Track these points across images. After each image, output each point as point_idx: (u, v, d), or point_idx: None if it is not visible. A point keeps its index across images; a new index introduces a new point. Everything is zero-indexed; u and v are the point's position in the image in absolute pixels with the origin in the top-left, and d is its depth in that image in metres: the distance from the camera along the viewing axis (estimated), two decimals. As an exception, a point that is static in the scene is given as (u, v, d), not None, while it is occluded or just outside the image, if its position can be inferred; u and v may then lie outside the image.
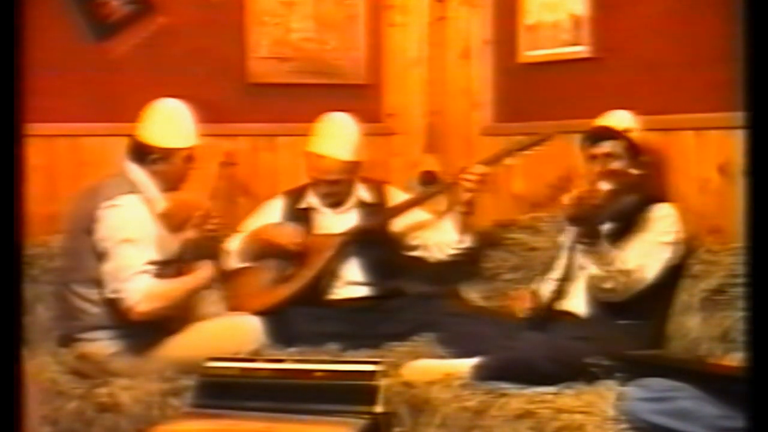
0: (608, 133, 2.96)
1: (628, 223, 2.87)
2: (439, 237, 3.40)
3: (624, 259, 2.78)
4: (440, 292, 3.47)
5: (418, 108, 4.13)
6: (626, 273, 2.77)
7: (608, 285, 2.79)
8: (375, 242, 3.40)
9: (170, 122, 3.02)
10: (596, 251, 2.79)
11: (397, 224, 3.45)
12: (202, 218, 3.08)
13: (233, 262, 3.38)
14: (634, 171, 2.90)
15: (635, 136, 2.95)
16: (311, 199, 3.47)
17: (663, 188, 3.05)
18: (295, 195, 3.51)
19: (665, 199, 2.96)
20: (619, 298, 2.81)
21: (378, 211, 3.46)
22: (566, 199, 2.78)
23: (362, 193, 3.49)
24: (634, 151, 2.93)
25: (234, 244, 3.39)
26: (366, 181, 3.52)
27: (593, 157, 2.98)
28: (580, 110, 3.20)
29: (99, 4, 3.56)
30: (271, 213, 3.49)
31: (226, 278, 3.30)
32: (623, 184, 2.88)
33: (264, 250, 3.37)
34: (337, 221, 3.44)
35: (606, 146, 2.95)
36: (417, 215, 3.48)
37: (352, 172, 3.39)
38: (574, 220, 2.85)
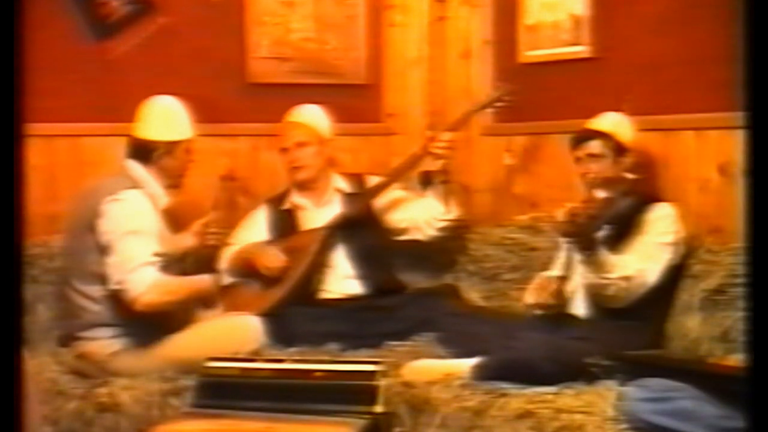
0: (591, 134, 2.97)
1: (626, 226, 2.86)
2: (426, 213, 3.41)
3: (623, 265, 2.77)
4: (440, 290, 3.47)
5: (418, 108, 4.13)
6: (626, 279, 2.76)
7: (609, 292, 2.79)
8: (363, 230, 3.42)
9: (167, 117, 3.04)
10: (594, 261, 2.78)
11: (382, 208, 3.47)
12: (203, 228, 3.09)
13: (224, 279, 3.36)
14: (629, 176, 2.90)
15: (621, 135, 2.95)
16: (293, 198, 3.49)
17: (659, 188, 3.05)
18: (277, 200, 3.53)
19: (662, 199, 2.95)
20: (621, 304, 2.80)
21: (359, 199, 3.47)
22: (559, 215, 2.79)
23: (339, 183, 3.52)
24: (619, 150, 2.93)
25: (222, 262, 3.38)
26: (343, 174, 3.55)
27: (579, 159, 2.99)
28: (580, 110, 3.20)
29: (99, 4, 3.56)
30: (256, 223, 3.50)
31: (221, 290, 3.29)
32: (618, 190, 2.88)
33: (248, 271, 3.37)
34: (321, 214, 3.45)
35: (589, 147, 2.96)
36: (396, 193, 3.49)
37: (320, 143, 3.43)
38: (568, 234, 2.86)
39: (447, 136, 3.31)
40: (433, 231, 3.42)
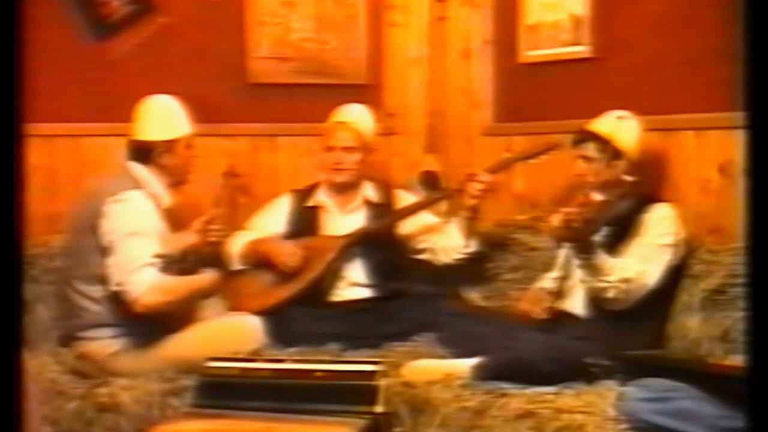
0: (586, 136, 2.97)
1: (625, 228, 2.86)
2: (445, 241, 3.40)
3: (623, 268, 2.77)
4: (440, 292, 3.47)
5: (418, 108, 4.12)
6: (626, 282, 2.76)
7: (609, 295, 2.79)
8: (380, 244, 3.40)
9: (162, 116, 3.04)
10: (592, 265, 2.78)
11: (404, 227, 3.46)
12: (204, 225, 3.09)
13: (234, 265, 3.37)
14: (627, 178, 2.89)
15: (617, 139, 2.93)
16: (320, 197, 3.48)
17: (660, 189, 3.05)
18: (304, 193, 3.51)
19: (662, 199, 2.95)
20: (621, 307, 2.80)
21: (384, 213, 3.46)
22: (555, 220, 2.79)
23: (369, 192, 3.49)
24: (614, 154, 2.91)
25: (235, 247, 3.38)
26: (373, 181, 3.53)
27: (576, 160, 2.99)
28: (580, 110, 3.20)
29: (99, 4, 3.57)
30: (277, 212, 3.49)
31: (226, 279, 3.29)
32: (616, 192, 2.87)
33: (262, 262, 3.37)
34: (344, 221, 3.44)
35: (584, 149, 2.96)
36: (423, 218, 3.48)
37: (365, 150, 3.41)
38: (565, 240, 2.86)
39: (486, 177, 3.29)
40: (448, 260, 3.41)
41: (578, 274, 2.90)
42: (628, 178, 2.89)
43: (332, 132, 3.41)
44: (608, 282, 2.76)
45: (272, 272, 3.34)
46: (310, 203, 3.48)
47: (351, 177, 3.43)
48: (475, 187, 3.27)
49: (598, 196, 2.87)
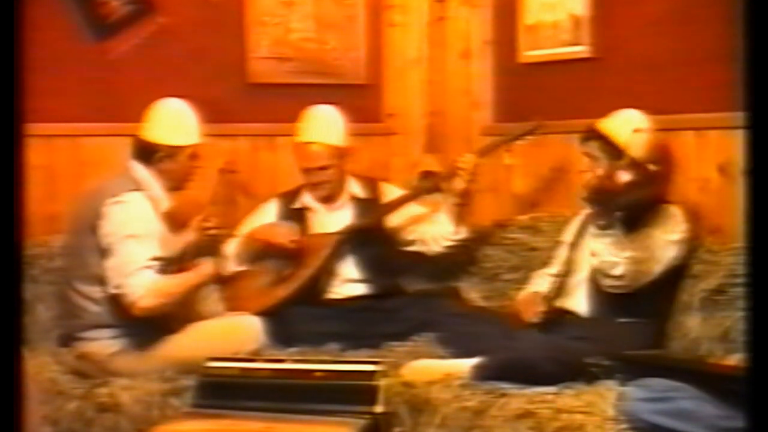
0: (591, 134, 2.96)
1: (637, 219, 2.85)
2: (435, 230, 3.41)
3: (635, 248, 2.76)
4: (440, 291, 3.47)
5: (418, 108, 4.13)
6: (636, 261, 2.75)
7: (617, 271, 2.77)
8: (372, 239, 3.41)
9: (175, 121, 3.04)
10: (610, 235, 2.77)
11: (393, 220, 3.46)
12: (202, 221, 3.09)
13: (231, 266, 3.37)
14: (652, 167, 2.87)
15: (620, 138, 2.90)
16: (305, 199, 3.48)
17: (670, 189, 3.04)
18: (290, 196, 3.52)
19: (671, 199, 2.95)
20: (626, 288, 2.79)
21: (372, 207, 3.47)
22: (587, 178, 2.77)
23: (354, 188, 3.50)
24: (617, 153, 2.89)
25: (231, 247, 3.38)
26: (358, 177, 3.53)
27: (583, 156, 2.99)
28: (580, 110, 3.20)
29: (99, 4, 3.57)
30: (267, 215, 3.50)
31: (224, 282, 3.30)
32: (641, 176, 2.84)
33: (260, 251, 3.38)
34: (332, 219, 3.44)
35: (588, 146, 2.95)
36: (412, 209, 3.48)
37: (340, 157, 3.39)
38: (593, 199, 2.84)
39: (471, 160, 3.29)
40: (440, 248, 3.41)
41: (591, 245, 2.88)
42: (653, 167, 2.85)
43: (304, 154, 3.39)
44: (620, 256, 2.75)
45: (273, 258, 3.34)
46: (297, 205, 3.49)
47: (333, 187, 3.43)
48: (461, 171, 3.27)
49: (624, 176, 2.83)
